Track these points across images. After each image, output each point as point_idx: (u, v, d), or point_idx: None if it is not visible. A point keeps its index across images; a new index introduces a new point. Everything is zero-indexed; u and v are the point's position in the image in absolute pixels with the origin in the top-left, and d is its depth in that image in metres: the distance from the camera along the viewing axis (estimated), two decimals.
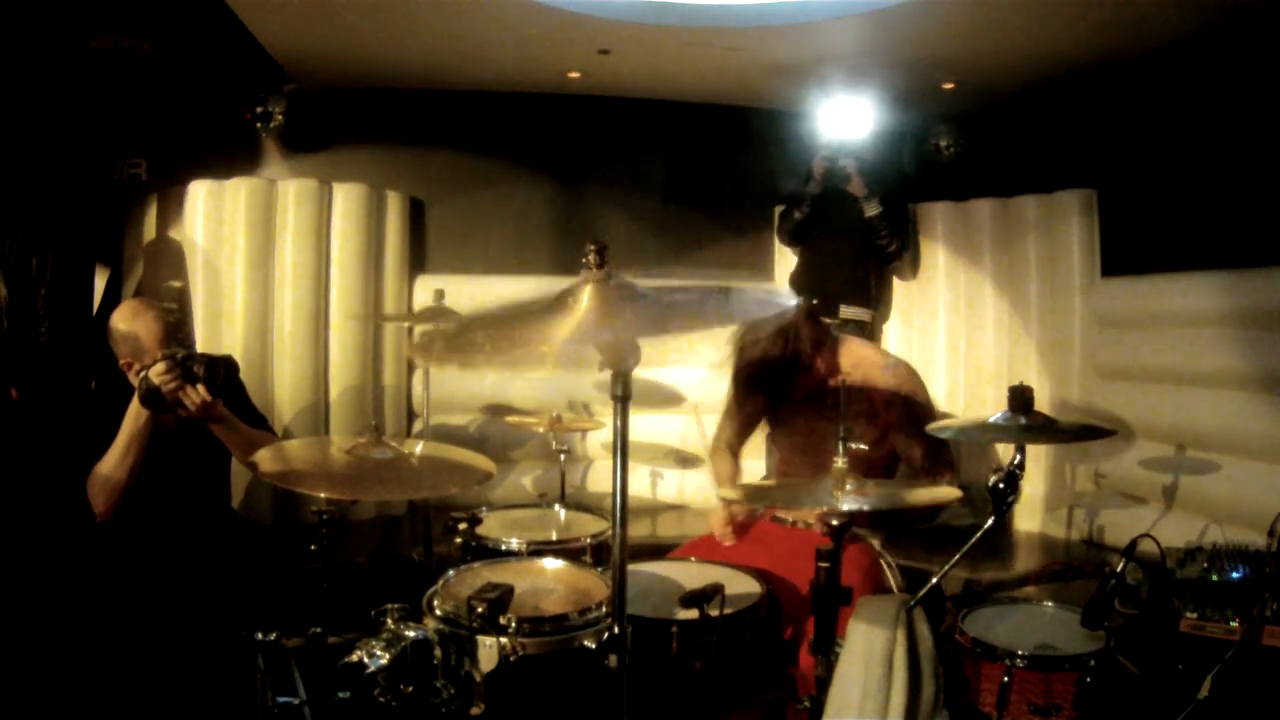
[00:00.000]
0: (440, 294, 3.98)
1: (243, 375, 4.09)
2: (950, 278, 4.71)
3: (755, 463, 2.80)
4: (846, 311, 4.40)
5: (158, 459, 2.70)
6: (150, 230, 4.23)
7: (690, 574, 2.08)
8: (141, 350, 2.60)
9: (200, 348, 4.13)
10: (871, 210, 4.39)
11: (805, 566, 1.80)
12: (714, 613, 1.75)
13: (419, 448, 2.15)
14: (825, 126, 4.30)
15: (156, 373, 2.45)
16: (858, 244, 4.45)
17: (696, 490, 4.53)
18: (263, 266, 4.22)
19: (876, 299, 4.60)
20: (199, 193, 4.17)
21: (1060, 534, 4.17)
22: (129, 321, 2.63)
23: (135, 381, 2.51)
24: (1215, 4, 3.29)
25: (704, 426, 4.34)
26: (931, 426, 2.01)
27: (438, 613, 1.69)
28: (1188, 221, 3.73)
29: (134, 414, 2.50)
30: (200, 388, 2.49)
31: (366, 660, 1.52)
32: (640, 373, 1.35)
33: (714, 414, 2.85)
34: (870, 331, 4.48)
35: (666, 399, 4.52)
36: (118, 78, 3.91)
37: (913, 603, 1.77)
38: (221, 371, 2.53)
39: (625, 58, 4.13)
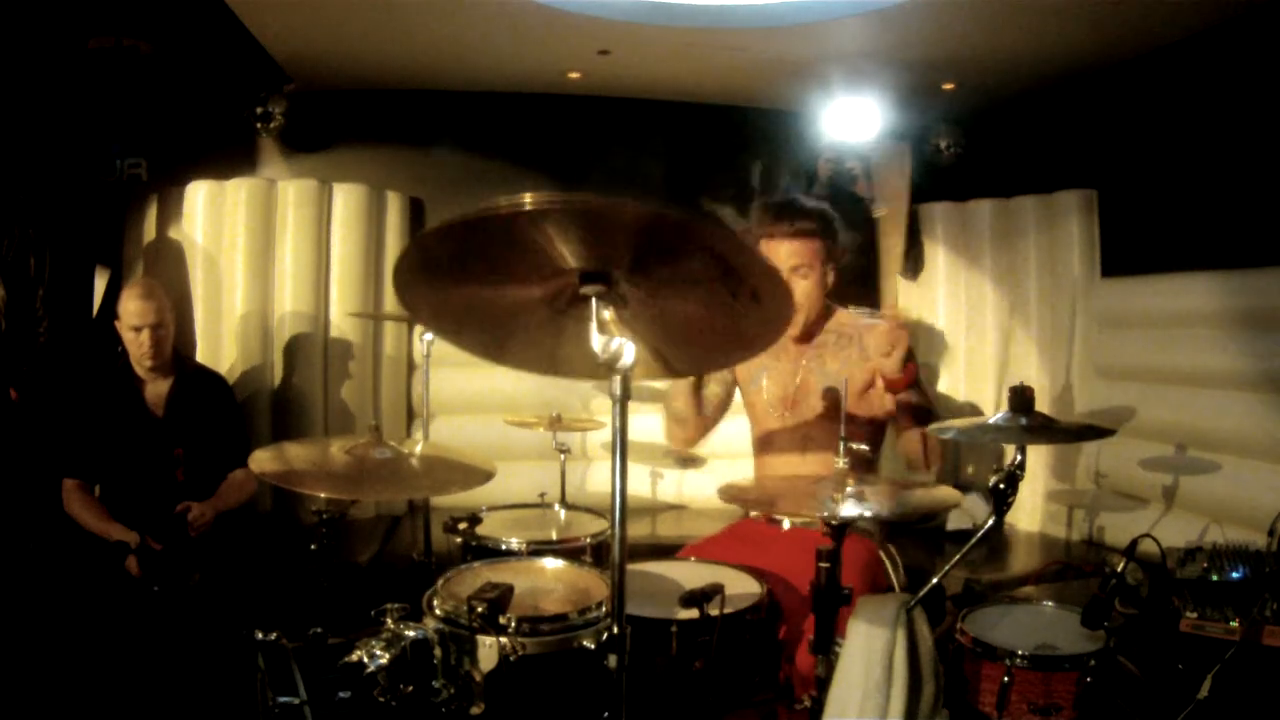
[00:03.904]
0: None
1: (242, 374, 4.12)
2: (950, 278, 4.71)
3: (747, 461, 2.77)
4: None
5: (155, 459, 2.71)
6: (150, 230, 4.23)
7: (690, 574, 2.08)
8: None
9: (200, 348, 4.14)
10: (877, 211, 4.39)
11: (805, 566, 1.80)
12: (714, 613, 1.75)
13: (419, 448, 2.16)
14: (831, 128, 4.30)
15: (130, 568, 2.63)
16: (862, 245, 4.45)
17: (696, 490, 4.52)
18: (263, 266, 4.21)
19: (878, 299, 4.60)
20: (199, 193, 4.17)
21: (1060, 534, 4.17)
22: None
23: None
24: (1215, 4, 3.29)
25: None
26: (932, 427, 2.01)
27: (437, 612, 1.69)
28: (1188, 221, 3.73)
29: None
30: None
31: (366, 660, 1.52)
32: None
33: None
34: None
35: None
36: (118, 78, 3.91)
37: (913, 603, 1.77)
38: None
39: (625, 58, 4.12)
